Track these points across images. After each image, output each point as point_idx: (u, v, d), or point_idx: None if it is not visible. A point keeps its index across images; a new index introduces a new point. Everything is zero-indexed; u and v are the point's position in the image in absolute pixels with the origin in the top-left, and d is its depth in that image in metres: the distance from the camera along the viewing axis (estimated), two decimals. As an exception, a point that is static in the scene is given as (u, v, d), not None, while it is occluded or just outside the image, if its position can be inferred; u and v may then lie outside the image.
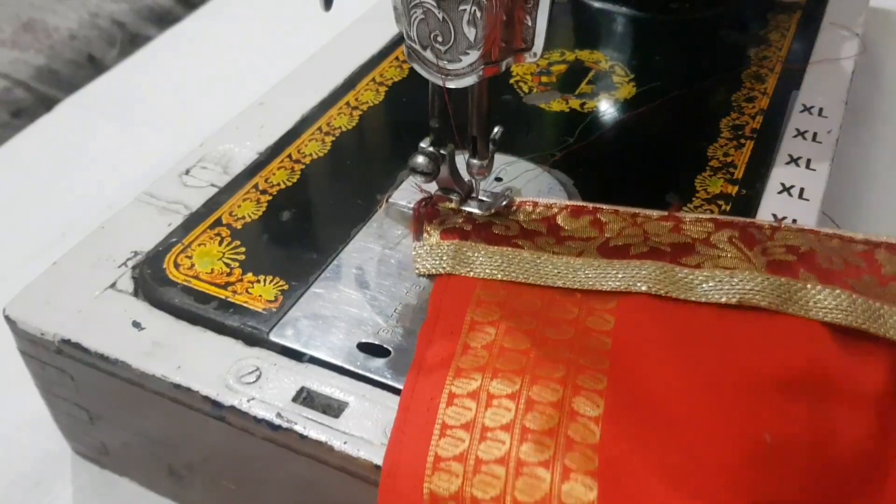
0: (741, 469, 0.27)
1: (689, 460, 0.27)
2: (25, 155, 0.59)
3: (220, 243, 0.37)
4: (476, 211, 0.37)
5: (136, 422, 0.35)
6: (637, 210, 0.36)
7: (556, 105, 0.46)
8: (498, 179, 0.40)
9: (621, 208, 0.36)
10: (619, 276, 0.33)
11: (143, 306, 0.35)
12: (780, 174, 0.40)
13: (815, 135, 0.43)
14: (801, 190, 0.39)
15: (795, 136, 0.43)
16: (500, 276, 0.34)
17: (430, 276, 0.35)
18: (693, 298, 0.32)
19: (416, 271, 0.35)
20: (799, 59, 0.50)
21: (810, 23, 0.53)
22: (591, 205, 0.37)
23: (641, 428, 0.28)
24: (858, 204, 0.53)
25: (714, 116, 0.45)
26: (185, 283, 0.35)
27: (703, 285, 0.32)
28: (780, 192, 0.39)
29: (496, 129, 0.35)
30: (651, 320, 0.32)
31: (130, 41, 0.76)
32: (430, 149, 0.35)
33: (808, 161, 0.41)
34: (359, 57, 0.50)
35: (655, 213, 0.36)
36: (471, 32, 0.30)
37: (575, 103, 0.46)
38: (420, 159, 0.35)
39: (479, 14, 0.29)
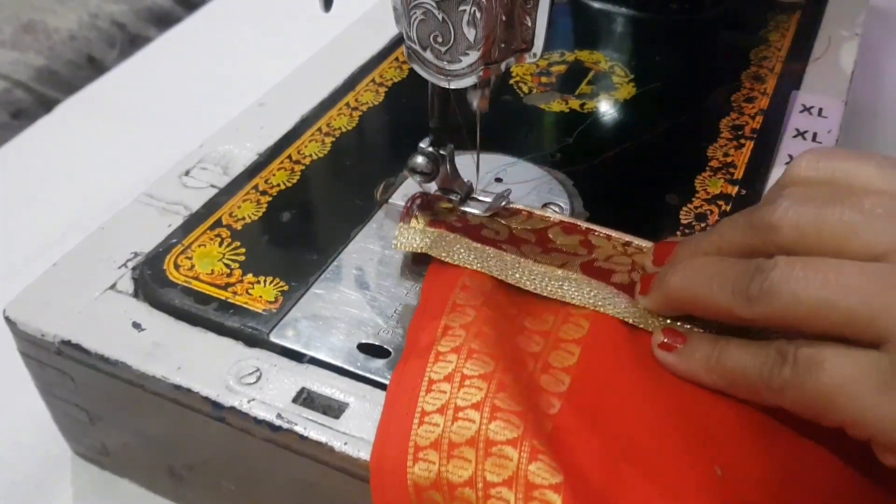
0: (690, 496, 0.27)
1: (644, 470, 0.27)
2: (25, 156, 0.59)
3: (221, 244, 0.37)
4: (475, 211, 0.37)
5: (136, 423, 0.35)
6: (630, 238, 0.36)
7: (556, 105, 0.46)
8: (498, 180, 0.40)
9: (615, 233, 0.36)
10: (593, 293, 0.33)
11: (144, 307, 0.35)
12: (780, 174, 0.40)
13: (814, 135, 0.43)
14: (801, 190, 0.39)
15: (795, 137, 0.43)
16: (476, 266, 0.34)
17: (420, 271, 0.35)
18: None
19: (394, 245, 0.35)
20: (798, 59, 0.50)
21: (810, 23, 0.53)
22: (584, 225, 0.36)
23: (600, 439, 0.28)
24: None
25: (714, 116, 0.45)
26: (185, 284, 0.35)
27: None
28: (780, 193, 0.39)
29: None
30: (622, 338, 0.32)
31: (130, 42, 0.76)
32: (430, 149, 0.35)
33: (808, 161, 0.41)
34: (358, 58, 0.50)
35: (646, 246, 0.35)
36: (470, 33, 0.30)
37: (575, 104, 0.46)
38: (419, 159, 0.35)
39: (478, 15, 0.29)
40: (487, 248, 0.35)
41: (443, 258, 0.34)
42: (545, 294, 0.33)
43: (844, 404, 0.26)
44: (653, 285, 0.31)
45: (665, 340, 0.31)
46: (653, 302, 0.32)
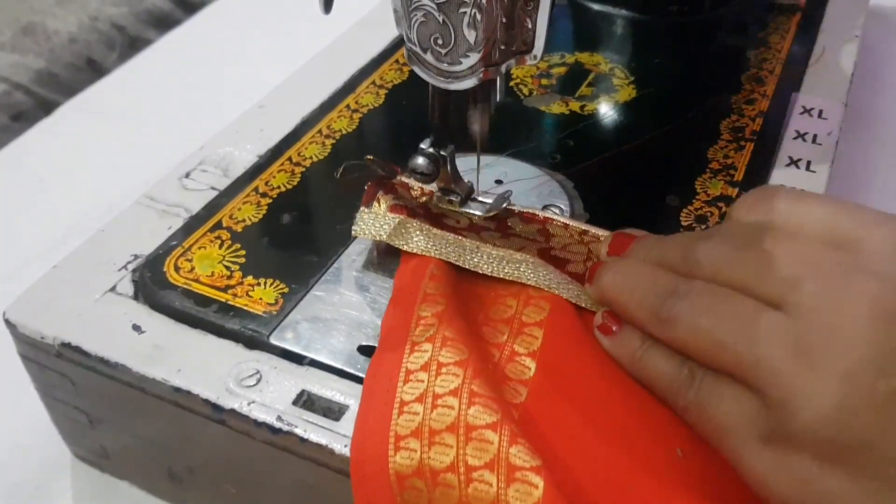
0: (652, 476, 0.27)
1: (616, 450, 0.28)
2: (25, 158, 0.59)
3: (221, 246, 0.37)
4: (476, 213, 0.37)
5: (136, 425, 0.35)
6: (587, 227, 0.36)
7: (557, 107, 0.46)
8: (498, 182, 0.40)
9: (572, 222, 0.37)
10: (548, 276, 0.33)
11: (144, 309, 0.35)
12: (780, 176, 0.40)
13: (814, 137, 0.43)
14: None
15: (795, 138, 0.43)
16: (433, 253, 0.34)
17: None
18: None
19: (353, 232, 0.36)
20: (799, 61, 0.50)
21: (810, 25, 0.53)
22: (542, 214, 0.37)
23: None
24: (859, 206, 0.52)
25: (714, 118, 0.45)
26: (185, 287, 0.35)
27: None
28: (780, 194, 0.39)
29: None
30: (583, 320, 0.33)
31: (130, 45, 0.76)
32: (430, 150, 0.35)
33: (809, 163, 0.41)
34: (359, 60, 0.50)
35: (603, 234, 0.36)
36: (471, 35, 0.30)
37: (575, 105, 0.46)
38: (420, 160, 0.35)
39: (479, 17, 0.29)
40: (447, 234, 0.35)
41: (401, 247, 0.34)
42: (502, 276, 0.34)
43: (730, 447, 0.26)
44: (594, 277, 0.32)
45: (602, 322, 0.32)
46: (592, 294, 0.33)
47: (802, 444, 0.24)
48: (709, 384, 0.27)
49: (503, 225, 0.37)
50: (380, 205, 0.36)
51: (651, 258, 0.32)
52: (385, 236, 0.35)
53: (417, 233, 0.35)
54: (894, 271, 0.25)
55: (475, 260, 0.34)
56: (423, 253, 0.34)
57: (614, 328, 0.31)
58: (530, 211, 0.37)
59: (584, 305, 0.33)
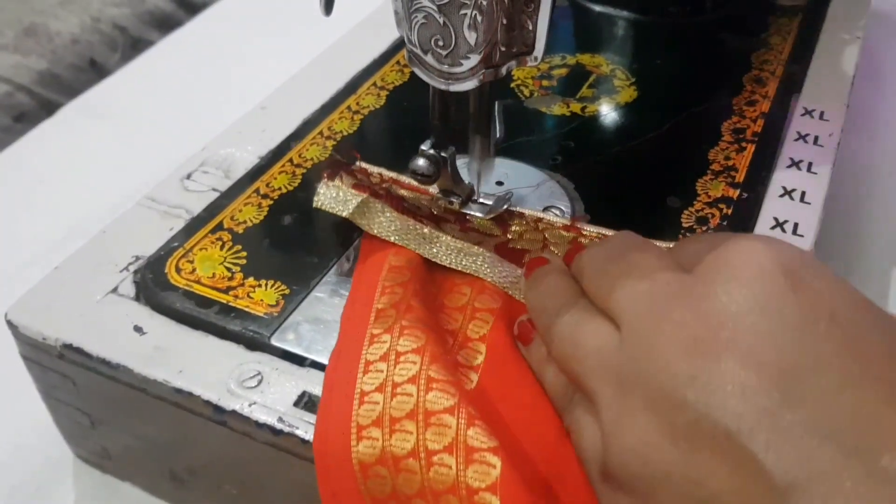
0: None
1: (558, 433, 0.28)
2: (27, 159, 0.59)
3: (222, 248, 0.37)
4: (477, 214, 0.37)
5: (137, 426, 0.35)
6: (542, 215, 0.37)
7: (558, 109, 0.46)
8: (499, 183, 0.40)
9: (528, 212, 0.37)
10: (504, 274, 0.34)
11: (145, 311, 0.35)
12: (781, 177, 0.40)
13: (816, 138, 0.43)
14: (803, 193, 0.39)
15: (797, 140, 0.43)
16: (393, 238, 0.34)
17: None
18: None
19: (314, 203, 0.36)
20: (800, 63, 0.50)
21: (811, 26, 0.53)
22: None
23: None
24: (860, 207, 0.53)
25: (715, 120, 0.45)
26: (186, 288, 0.35)
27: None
28: (781, 196, 0.39)
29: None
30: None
31: (132, 46, 0.76)
32: (431, 151, 0.35)
33: (810, 164, 0.41)
34: (360, 61, 0.50)
35: (559, 222, 0.37)
36: (471, 36, 0.30)
37: (576, 107, 0.46)
38: (421, 162, 0.35)
39: (479, 18, 0.30)
40: (409, 220, 0.35)
41: (364, 227, 0.35)
42: (459, 269, 0.34)
43: (591, 478, 0.26)
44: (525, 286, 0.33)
45: (519, 331, 0.32)
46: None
47: (619, 479, 0.23)
48: (577, 412, 0.27)
49: (461, 216, 0.37)
50: (342, 183, 0.37)
51: (575, 268, 0.31)
52: (348, 213, 0.35)
53: (380, 214, 0.35)
54: (713, 295, 0.23)
55: (434, 250, 0.35)
56: (385, 237, 0.35)
57: (531, 336, 0.31)
58: (531, 213, 0.38)
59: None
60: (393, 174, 0.40)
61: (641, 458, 0.23)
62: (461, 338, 0.32)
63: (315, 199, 0.36)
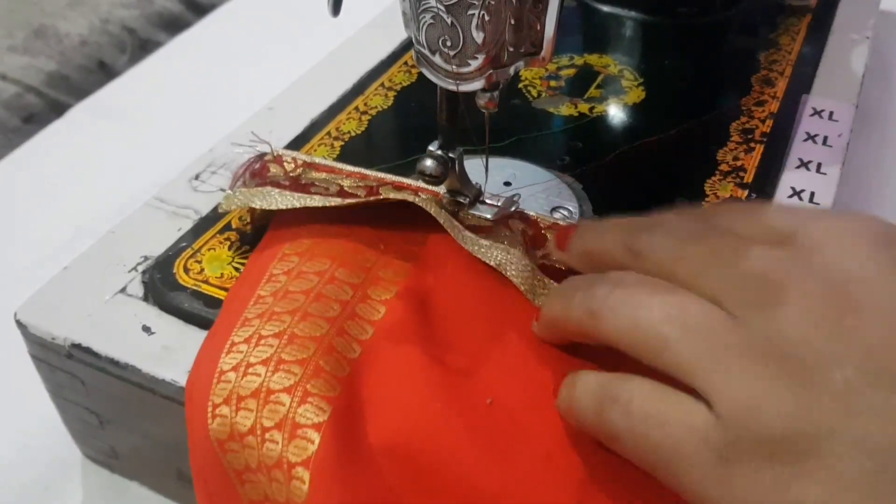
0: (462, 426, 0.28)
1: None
2: (36, 160, 0.59)
3: (230, 248, 0.37)
4: (485, 215, 0.37)
5: (145, 426, 0.35)
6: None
7: (566, 109, 0.46)
8: (507, 184, 0.40)
9: (443, 191, 0.37)
10: (418, 201, 0.34)
11: (153, 311, 0.35)
12: (790, 178, 0.40)
13: (825, 138, 0.43)
14: (812, 194, 0.39)
15: (806, 140, 0.43)
16: (296, 204, 0.35)
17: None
18: (468, 247, 0.34)
19: (220, 208, 0.36)
20: (809, 63, 0.49)
21: (820, 26, 0.53)
22: (414, 184, 0.38)
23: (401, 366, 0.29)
24: (869, 207, 0.52)
25: (723, 120, 0.45)
26: (194, 288, 0.35)
27: (476, 245, 0.34)
28: (790, 196, 0.39)
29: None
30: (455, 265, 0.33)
31: (141, 47, 0.76)
32: (439, 152, 0.35)
33: (819, 165, 0.41)
34: (367, 62, 0.50)
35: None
36: (479, 37, 0.30)
37: (584, 107, 0.46)
38: (428, 162, 0.35)
39: (487, 18, 0.29)
40: (314, 195, 0.35)
41: (262, 206, 0.35)
42: (382, 196, 0.34)
43: (676, 473, 0.24)
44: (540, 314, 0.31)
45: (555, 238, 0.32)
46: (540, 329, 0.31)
47: (759, 451, 0.22)
48: (642, 404, 0.25)
49: (373, 192, 0.36)
50: (246, 184, 0.37)
51: (587, 247, 0.30)
52: (246, 201, 0.35)
53: (276, 192, 0.35)
54: (833, 263, 0.24)
55: (337, 200, 0.34)
56: (285, 206, 0.35)
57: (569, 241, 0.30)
58: (400, 180, 0.38)
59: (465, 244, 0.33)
60: (306, 157, 0.40)
61: (796, 419, 0.22)
62: (360, 294, 0.32)
63: (221, 205, 0.36)
